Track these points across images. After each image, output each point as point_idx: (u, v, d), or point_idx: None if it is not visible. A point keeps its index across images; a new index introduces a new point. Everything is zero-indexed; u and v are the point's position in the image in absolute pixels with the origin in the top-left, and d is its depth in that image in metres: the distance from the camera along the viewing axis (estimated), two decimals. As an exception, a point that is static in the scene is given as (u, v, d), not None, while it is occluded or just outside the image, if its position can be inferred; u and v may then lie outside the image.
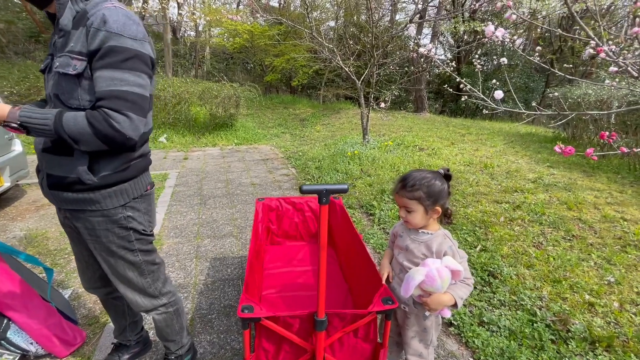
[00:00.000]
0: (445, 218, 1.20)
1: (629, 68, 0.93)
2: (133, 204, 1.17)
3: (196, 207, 3.54)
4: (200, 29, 16.85)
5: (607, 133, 1.15)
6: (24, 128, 0.95)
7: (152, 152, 6.07)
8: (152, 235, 1.27)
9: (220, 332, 1.81)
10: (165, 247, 2.71)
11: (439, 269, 1.00)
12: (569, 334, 1.73)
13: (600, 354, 1.61)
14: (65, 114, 0.96)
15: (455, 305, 1.06)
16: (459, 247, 1.18)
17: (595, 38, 0.93)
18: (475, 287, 2.15)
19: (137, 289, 1.26)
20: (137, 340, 1.60)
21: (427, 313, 1.12)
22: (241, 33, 11.81)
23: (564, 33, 1.32)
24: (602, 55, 0.94)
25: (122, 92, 0.96)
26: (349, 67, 5.54)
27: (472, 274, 2.25)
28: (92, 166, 1.05)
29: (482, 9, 11.51)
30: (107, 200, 1.10)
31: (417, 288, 1.04)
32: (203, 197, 3.84)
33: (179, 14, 13.54)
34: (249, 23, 12.36)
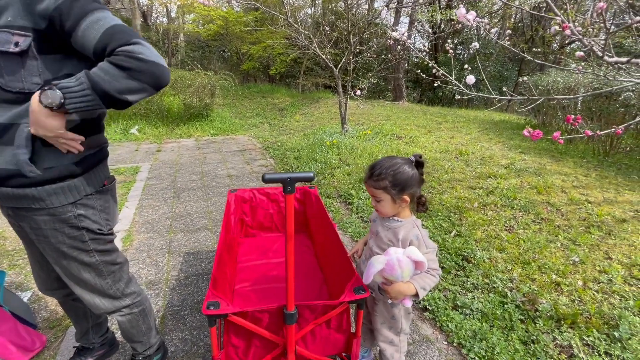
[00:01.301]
0: (420, 206, 1.17)
1: (593, 47, 0.93)
2: (85, 202, 1.05)
3: (169, 201, 3.40)
4: (172, 14, 16.09)
5: (573, 117, 1.16)
6: (62, 99, 0.83)
7: (124, 144, 5.78)
8: (110, 234, 1.17)
9: (193, 329, 1.75)
10: (136, 242, 2.59)
11: (399, 258, 0.99)
12: (537, 313, 1.80)
13: (565, 331, 1.68)
14: (89, 71, 0.85)
15: (417, 296, 1.05)
16: (433, 235, 1.17)
17: (562, 16, 0.92)
18: (449, 272, 2.19)
19: (95, 291, 1.17)
20: (102, 343, 1.51)
21: (389, 301, 1.11)
22: (215, 19, 11.35)
23: (532, 11, 1.32)
24: (567, 32, 0.94)
25: (114, 27, 0.87)
26: (325, 54, 5.44)
27: (447, 259, 2.29)
28: (33, 157, 0.93)
29: (458, -3, 11.60)
30: (53, 198, 0.98)
31: (379, 275, 1.03)
32: (177, 190, 3.70)
33: (148, -2, 12.85)
34: (223, 9, 11.90)
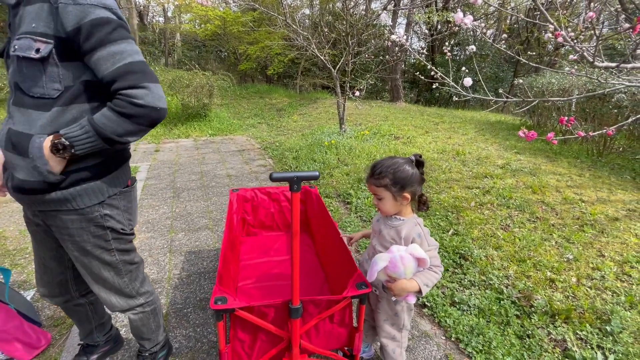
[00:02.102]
0: (421, 205, 1.21)
1: (584, 53, 0.98)
2: (110, 202, 1.08)
3: (169, 201, 3.42)
4: (169, 14, 16.05)
5: (566, 118, 1.21)
6: (70, 147, 0.92)
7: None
8: (132, 234, 1.19)
9: (197, 326, 1.78)
10: (137, 242, 2.61)
11: (402, 256, 1.03)
12: (532, 308, 1.85)
13: (559, 326, 1.73)
14: (92, 118, 0.92)
15: (420, 292, 1.08)
16: (431, 234, 1.20)
17: (554, 22, 0.97)
18: (447, 270, 2.23)
19: (112, 290, 1.19)
20: (107, 340, 1.53)
21: (393, 298, 1.14)
22: (212, 19, 11.35)
23: (526, 18, 1.37)
24: (560, 39, 0.98)
25: (129, 66, 0.91)
26: (324, 55, 5.48)
27: (445, 257, 2.33)
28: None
29: (455, -2, 11.69)
30: (78, 200, 1.01)
31: (383, 273, 1.07)
32: (176, 190, 3.71)
33: (145, -2, 12.81)
34: (220, 9, 11.90)
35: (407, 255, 1.03)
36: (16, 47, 0.88)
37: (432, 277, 1.12)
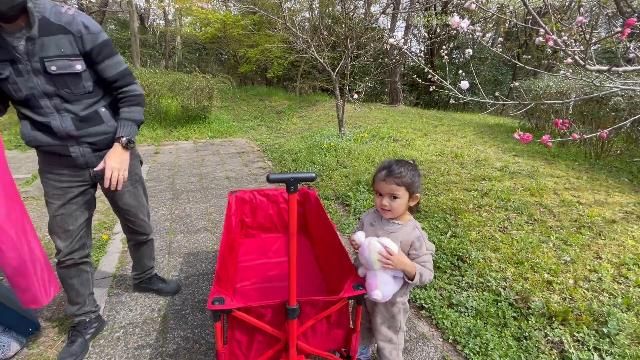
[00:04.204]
0: (415, 207, 1.24)
1: (575, 56, 0.99)
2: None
3: (168, 202, 3.43)
4: (169, 17, 16.12)
5: (561, 121, 1.22)
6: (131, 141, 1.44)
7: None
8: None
9: (195, 327, 1.78)
10: (136, 244, 2.61)
11: (370, 242, 1.10)
12: (529, 310, 1.85)
13: (556, 328, 1.74)
14: (125, 117, 1.43)
15: (411, 279, 1.12)
16: (429, 236, 1.23)
17: (546, 27, 0.98)
18: (445, 272, 2.24)
19: (147, 215, 1.72)
20: (95, 317, 1.68)
21: (360, 271, 1.23)
22: (213, 22, 11.40)
23: (519, 23, 1.39)
24: (551, 43, 1.00)
25: (125, 70, 1.43)
26: (323, 58, 5.51)
27: (443, 259, 2.34)
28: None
29: (454, 2, 11.77)
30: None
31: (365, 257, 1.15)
32: (175, 192, 3.72)
33: (147, 1, 12.88)
34: (221, 12, 11.97)
35: (376, 243, 1.10)
36: (54, 67, 1.23)
37: (428, 274, 1.15)
